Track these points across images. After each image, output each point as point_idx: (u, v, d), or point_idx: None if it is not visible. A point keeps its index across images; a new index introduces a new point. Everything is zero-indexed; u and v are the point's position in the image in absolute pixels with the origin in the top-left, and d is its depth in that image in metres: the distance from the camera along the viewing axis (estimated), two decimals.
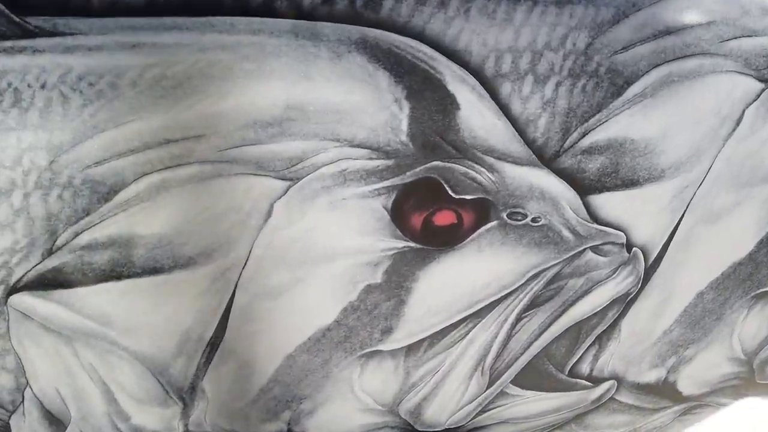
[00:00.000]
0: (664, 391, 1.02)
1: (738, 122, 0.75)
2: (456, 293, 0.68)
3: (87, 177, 0.52)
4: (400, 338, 0.69)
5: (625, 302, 0.81)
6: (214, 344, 0.60)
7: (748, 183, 0.80)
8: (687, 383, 1.04)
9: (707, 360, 1.01)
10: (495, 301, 0.71)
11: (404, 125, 0.56)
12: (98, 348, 0.57)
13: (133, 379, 0.58)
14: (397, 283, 0.64)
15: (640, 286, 0.80)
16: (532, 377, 0.84)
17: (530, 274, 0.73)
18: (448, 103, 0.56)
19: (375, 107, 0.54)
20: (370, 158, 0.57)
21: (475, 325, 0.73)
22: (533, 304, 0.74)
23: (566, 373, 0.85)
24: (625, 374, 0.93)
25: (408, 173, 0.59)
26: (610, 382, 0.92)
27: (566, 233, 0.69)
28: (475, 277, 0.68)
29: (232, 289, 0.59)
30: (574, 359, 0.85)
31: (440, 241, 0.65)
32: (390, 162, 0.58)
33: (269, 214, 0.56)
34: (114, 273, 0.54)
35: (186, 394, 0.62)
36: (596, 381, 0.91)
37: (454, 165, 0.60)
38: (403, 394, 0.75)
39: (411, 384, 0.74)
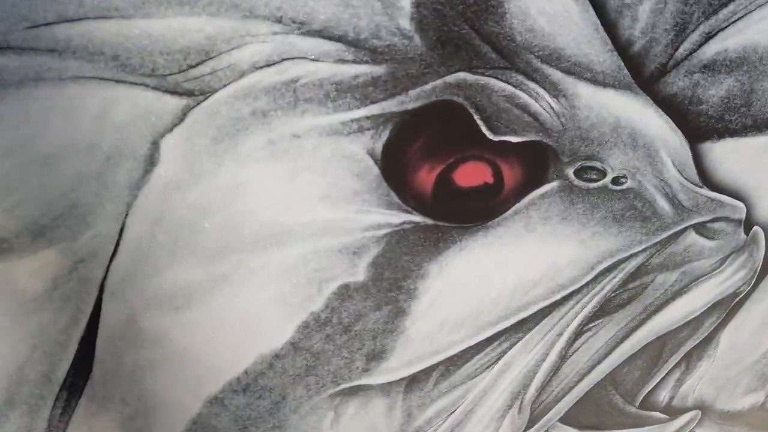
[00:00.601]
0: (758, 419, 0.74)
1: None
2: (489, 297, 0.47)
3: None
4: (396, 366, 0.42)
5: (729, 306, 0.52)
6: (73, 385, 0.32)
7: None
8: None
9: None
10: (545, 308, 0.50)
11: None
12: None
13: None
14: (392, 283, 0.37)
15: (753, 283, 0.50)
16: (590, 412, 0.57)
17: (602, 267, 0.48)
18: None
19: None
20: (343, 60, 0.28)
21: (512, 345, 0.46)
22: (601, 312, 0.47)
23: (637, 404, 0.58)
24: (714, 402, 0.66)
25: (413, 92, 0.31)
26: (693, 412, 0.64)
27: (662, 203, 0.47)
28: (520, 270, 0.46)
29: (94, 297, 0.30)
30: (651, 385, 0.58)
31: (465, 213, 0.37)
32: (380, 69, 0.30)
33: (153, 159, 0.27)
34: None
35: None
36: (675, 412, 0.63)
37: (492, 81, 0.33)
38: None
39: (414, 430, 0.47)
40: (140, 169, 0.31)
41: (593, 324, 0.52)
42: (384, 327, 0.43)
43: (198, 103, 0.30)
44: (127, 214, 0.32)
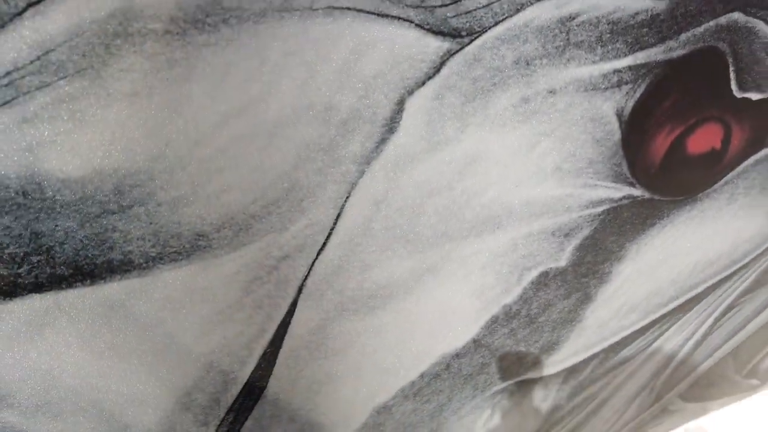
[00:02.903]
0: None
1: None
2: (669, 277, 0.40)
3: None
4: (564, 357, 0.36)
5: None
6: (242, 408, 0.24)
7: None
8: None
9: None
10: (713, 284, 0.36)
11: None
12: None
13: None
14: (589, 268, 0.30)
15: None
16: (705, 383, 0.52)
17: None
18: None
19: None
20: None
21: (671, 326, 0.39)
22: (755, 285, 0.40)
23: (744, 374, 0.53)
24: None
25: (683, 36, 0.22)
26: None
27: None
28: (707, 247, 0.45)
29: (290, 301, 0.20)
30: (761, 355, 0.53)
31: (684, 183, 0.30)
32: (662, 4, 0.21)
33: (393, 124, 0.17)
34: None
35: None
36: (767, 378, 0.59)
37: (760, 24, 0.24)
38: None
39: (556, 419, 0.40)
40: (376, 137, 0.22)
41: (743, 299, 0.46)
42: (566, 317, 0.36)
43: (461, 47, 0.21)
44: (347, 197, 0.23)
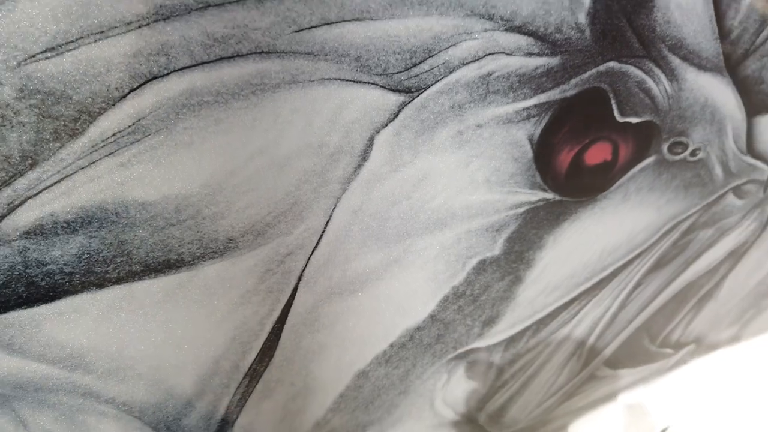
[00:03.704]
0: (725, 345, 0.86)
1: None
2: (582, 261, 0.48)
3: (29, 79, 0.22)
4: (503, 329, 0.47)
5: (739, 255, 0.60)
6: (255, 372, 0.34)
7: None
8: (748, 334, 0.89)
9: None
10: (620, 267, 0.48)
11: None
12: (60, 406, 0.28)
13: None
14: (518, 255, 0.41)
15: (759, 233, 0.59)
16: (625, 353, 0.64)
17: (666, 228, 0.60)
18: None
19: None
20: (530, 53, 0.31)
21: (589, 301, 0.50)
22: (656, 266, 0.52)
23: (657, 344, 0.66)
24: (707, 336, 0.75)
25: (573, 81, 0.34)
26: (690, 346, 0.73)
27: (718, 170, 0.56)
28: (610, 236, 0.49)
29: (292, 287, 0.32)
30: (671, 327, 0.65)
31: (585, 188, 0.42)
32: (554, 61, 0.32)
33: (366, 155, 0.28)
34: (90, 277, 0.25)
35: None
36: (679, 347, 0.71)
37: (631, 69, 0.36)
38: (488, 397, 0.52)
39: (501, 383, 0.52)
40: (354, 164, 0.32)
41: (647, 278, 0.57)
42: (503, 295, 0.46)
43: (411, 100, 0.31)
44: (334, 208, 0.32)
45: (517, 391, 0.61)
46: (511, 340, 0.54)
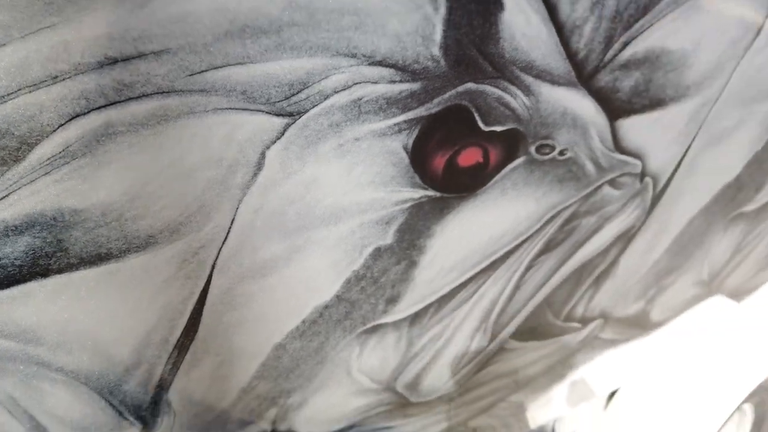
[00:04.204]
0: (639, 322, 0.96)
1: (758, 33, 0.65)
2: (471, 247, 0.56)
3: None
4: (406, 306, 0.55)
5: (628, 237, 0.70)
6: (182, 345, 0.42)
7: (753, 99, 0.71)
8: (658, 311, 1.00)
9: (679, 286, 0.96)
10: (510, 250, 0.59)
11: (438, 33, 0.39)
12: (18, 374, 0.37)
13: (73, 405, 0.40)
14: (409, 243, 0.49)
15: (644, 219, 0.69)
16: (531, 328, 0.73)
17: (548, 216, 0.61)
18: (491, 3, 0.38)
19: (405, 6, 0.36)
20: (393, 81, 0.40)
21: (485, 281, 0.60)
22: (545, 250, 0.61)
23: (562, 318, 0.75)
24: (613, 311, 0.85)
25: (436, 100, 0.43)
26: (598, 321, 0.83)
27: (589, 167, 0.59)
28: (494, 225, 0.56)
29: (207, 273, 0.41)
30: (572, 303, 0.74)
31: (462, 185, 0.51)
32: (416, 86, 0.41)
33: (260, 165, 0.37)
34: (36, 268, 0.34)
35: (147, 412, 0.44)
36: (587, 322, 0.81)
37: (488, 87, 0.45)
38: (402, 367, 0.62)
39: (412, 355, 0.61)
40: (251, 174, 0.40)
41: (539, 259, 0.66)
42: (401, 277, 0.55)
43: (294, 121, 0.40)
44: (237, 208, 0.41)
45: (430, 361, 0.70)
46: (416, 316, 0.63)
